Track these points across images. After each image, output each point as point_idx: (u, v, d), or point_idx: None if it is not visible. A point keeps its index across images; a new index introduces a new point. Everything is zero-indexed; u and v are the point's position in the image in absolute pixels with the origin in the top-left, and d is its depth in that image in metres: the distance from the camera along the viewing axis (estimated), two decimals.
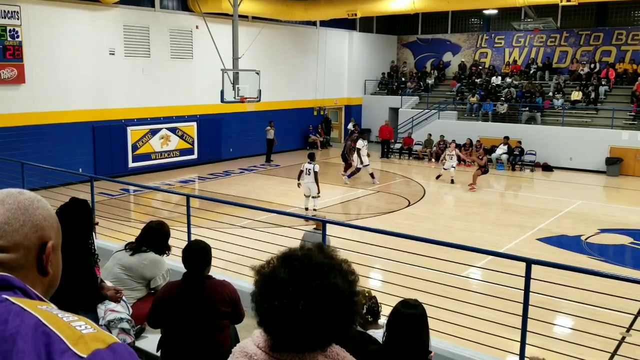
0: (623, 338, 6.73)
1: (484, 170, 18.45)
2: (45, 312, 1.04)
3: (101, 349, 0.98)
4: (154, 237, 4.93)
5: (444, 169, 19.17)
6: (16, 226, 1.17)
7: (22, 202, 1.20)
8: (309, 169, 14.50)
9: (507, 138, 22.44)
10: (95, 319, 4.25)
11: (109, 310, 4.32)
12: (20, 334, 0.97)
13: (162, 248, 4.96)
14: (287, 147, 24.26)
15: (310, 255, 1.62)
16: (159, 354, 4.16)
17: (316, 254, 1.64)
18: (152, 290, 4.89)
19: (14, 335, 0.97)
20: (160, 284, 4.80)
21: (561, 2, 18.36)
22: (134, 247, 4.93)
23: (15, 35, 15.97)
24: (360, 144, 18.46)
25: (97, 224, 5.01)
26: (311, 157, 14.72)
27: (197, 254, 4.01)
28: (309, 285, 1.54)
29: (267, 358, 1.62)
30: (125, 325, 4.29)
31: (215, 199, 11.00)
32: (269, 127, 22.71)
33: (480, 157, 18.76)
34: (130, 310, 4.56)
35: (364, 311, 4.13)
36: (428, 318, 3.23)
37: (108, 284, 4.67)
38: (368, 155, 19.00)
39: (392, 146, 25.56)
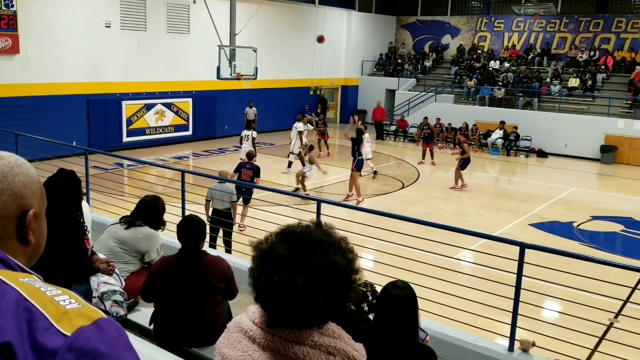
0: (611, 324, 6.79)
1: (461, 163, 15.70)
2: (28, 285, 0.98)
3: (86, 326, 0.92)
4: (149, 212, 4.93)
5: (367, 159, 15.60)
6: None
7: (1, 168, 1.14)
8: (247, 135, 15.89)
9: (503, 123, 22.46)
10: (89, 291, 4.25)
11: (102, 282, 4.32)
12: (0, 310, 0.92)
13: (157, 223, 4.95)
14: (282, 126, 24.11)
15: (309, 232, 1.62)
16: (151, 327, 4.18)
17: (315, 230, 1.63)
18: (145, 265, 4.90)
19: None
20: (155, 258, 4.80)
21: None
22: (128, 221, 4.92)
23: (10, 4, 15.74)
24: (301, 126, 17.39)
25: (85, 194, 4.95)
26: (248, 126, 16.61)
27: (192, 229, 4.01)
28: (308, 262, 1.53)
29: (262, 334, 1.61)
30: (118, 297, 4.29)
31: (210, 175, 10.96)
32: (248, 108, 21.74)
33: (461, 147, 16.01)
34: (123, 282, 4.56)
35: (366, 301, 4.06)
36: (418, 299, 3.23)
37: (101, 256, 4.67)
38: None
39: (387, 128, 25.50)
